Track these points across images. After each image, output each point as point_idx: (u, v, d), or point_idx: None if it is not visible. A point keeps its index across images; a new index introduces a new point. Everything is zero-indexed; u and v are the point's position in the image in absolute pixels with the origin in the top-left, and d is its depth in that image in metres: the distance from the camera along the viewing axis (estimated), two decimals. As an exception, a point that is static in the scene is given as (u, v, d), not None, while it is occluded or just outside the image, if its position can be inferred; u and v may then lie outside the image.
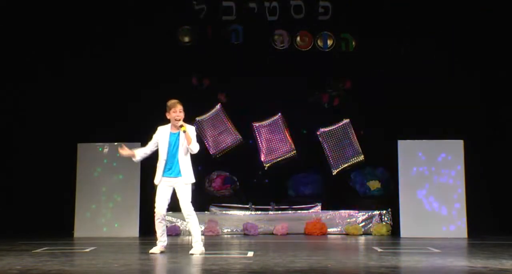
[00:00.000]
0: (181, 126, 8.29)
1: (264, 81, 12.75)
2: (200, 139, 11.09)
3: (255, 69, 12.77)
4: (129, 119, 12.30)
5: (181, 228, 11.88)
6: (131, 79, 12.54)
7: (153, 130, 8.60)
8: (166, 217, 8.65)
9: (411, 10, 12.55)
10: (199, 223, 8.64)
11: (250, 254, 8.40)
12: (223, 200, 12.61)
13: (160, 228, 8.48)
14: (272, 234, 11.91)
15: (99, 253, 8.75)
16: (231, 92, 13.01)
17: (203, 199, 12.04)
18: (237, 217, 12.21)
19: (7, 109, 12.57)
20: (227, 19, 12.98)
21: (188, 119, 8.60)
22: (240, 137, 12.99)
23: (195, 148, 8.37)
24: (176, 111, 8.34)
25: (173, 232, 11.58)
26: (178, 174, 8.35)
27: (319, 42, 13.02)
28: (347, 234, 11.88)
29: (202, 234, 9.80)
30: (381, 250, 8.99)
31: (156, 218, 8.44)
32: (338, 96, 13.03)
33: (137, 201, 11.58)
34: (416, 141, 11.66)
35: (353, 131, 12.79)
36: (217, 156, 12.97)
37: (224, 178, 12.82)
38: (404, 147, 11.59)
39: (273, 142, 12.95)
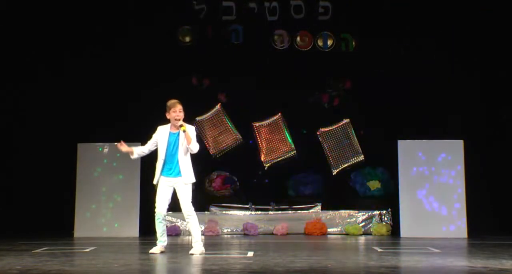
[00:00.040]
0: (181, 126, 8.29)
1: (264, 81, 12.75)
2: (200, 139, 11.08)
3: (255, 69, 12.77)
4: (129, 119, 12.30)
5: (181, 228, 11.88)
6: (131, 79, 12.54)
7: (153, 130, 8.60)
8: (166, 217, 8.65)
9: (411, 10, 12.55)
10: (199, 223, 8.64)
11: (250, 254, 8.40)
12: (223, 200, 12.61)
13: (160, 228, 8.48)
14: (272, 234, 11.91)
15: (99, 253, 8.75)
16: (231, 92, 13.01)
17: (203, 199, 12.04)
18: (237, 217, 12.21)
19: (7, 109, 12.56)
20: (227, 19, 12.98)
21: (188, 119, 8.61)
22: (240, 137, 12.99)
23: (195, 147, 8.37)
24: (176, 111, 8.35)
25: (173, 232, 11.58)
26: (178, 174, 8.35)
27: (319, 42, 13.02)
28: (347, 234, 11.88)
29: (202, 234, 9.80)
30: (381, 250, 8.99)
31: (156, 218, 8.44)
32: (338, 96, 13.02)
33: (137, 201, 11.59)
34: (416, 141, 11.66)
35: (353, 131, 12.78)
36: (217, 156, 12.97)
37: (224, 178, 12.82)
38: (404, 147, 11.59)
39: (273, 142, 12.95)
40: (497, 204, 12.21)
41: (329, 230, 11.99)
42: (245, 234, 11.87)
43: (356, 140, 12.76)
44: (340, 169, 12.81)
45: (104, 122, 12.31)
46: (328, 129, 12.85)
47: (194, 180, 8.47)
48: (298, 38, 13.07)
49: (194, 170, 8.50)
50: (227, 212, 12.32)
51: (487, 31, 12.44)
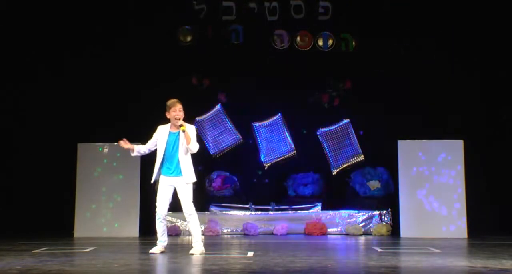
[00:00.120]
0: (181, 126, 8.29)
1: (264, 81, 12.75)
2: (200, 139, 11.08)
3: (255, 69, 12.77)
4: (129, 119, 12.30)
5: (181, 228, 11.88)
6: (131, 79, 12.54)
7: (153, 130, 8.61)
8: (166, 217, 8.65)
9: (411, 10, 12.55)
10: (199, 223, 8.63)
11: (250, 254, 8.40)
12: (223, 200, 12.61)
13: (160, 228, 8.48)
14: (272, 234, 11.91)
15: (99, 253, 8.75)
16: (231, 92, 13.01)
17: (203, 199, 12.04)
18: (237, 217, 12.21)
19: (7, 109, 12.56)
20: (227, 19, 12.97)
21: (188, 119, 8.61)
22: (240, 137, 12.99)
23: (195, 147, 8.37)
24: (176, 110, 8.35)
25: (173, 232, 11.57)
26: (178, 173, 8.35)
27: (319, 42, 13.02)
28: (347, 234, 11.87)
29: (202, 234, 9.80)
30: (381, 250, 8.99)
31: (157, 217, 8.44)
32: (338, 96, 13.02)
33: (137, 201, 11.59)
34: (416, 141, 11.66)
35: (353, 131, 12.78)
36: (217, 156, 12.97)
37: (224, 178, 12.82)
38: (404, 147, 11.60)
39: (273, 142, 12.95)
40: (497, 204, 12.21)
41: (329, 230, 11.98)
42: (245, 234, 11.87)
43: (356, 140, 12.75)
44: (340, 169, 12.81)
45: (104, 122, 12.32)
46: (328, 129, 12.85)
47: (195, 180, 8.47)
48: (298, 38, 13.07)
49: (194, 170, 8.50)
50: (227, 212, 12.32)
51: (487, 31, 12.44)
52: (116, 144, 11.64)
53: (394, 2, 12.61)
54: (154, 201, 8.50)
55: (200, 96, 12.68)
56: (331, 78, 12.98)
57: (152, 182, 8.49)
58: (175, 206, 8.68)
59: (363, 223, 12.05)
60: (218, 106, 12.99)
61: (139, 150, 8.61)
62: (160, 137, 8.45)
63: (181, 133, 8.33)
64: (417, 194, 11.42)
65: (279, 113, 12.95)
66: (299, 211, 12.31)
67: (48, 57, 12.69)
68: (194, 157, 8.53)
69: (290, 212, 12.32)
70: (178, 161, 8.35)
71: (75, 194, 11.67)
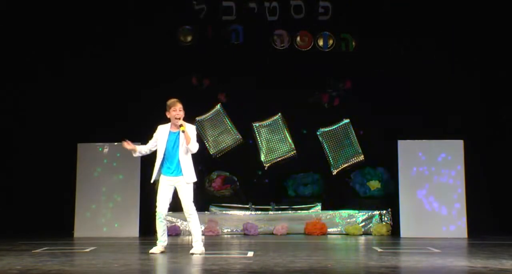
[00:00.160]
0: (180, 125, 8.29)
1: (264, 81, 12.75)
2: (200, 139, 11.08)
3: (255, 69, 12.77)
4: (129, 119, 12.30)
5: (181, 228, 11.87)
6: (131, 79, 12.54)
7: (153, 130, 8.60)
8: (167, 217, 8.64)
9: (411, 10, 12.55)
10: (200, 223, 8.63)
11: (250, 254, 8.40)
12: (223, 200, 12.61)
13: (161, 228, 8.48)
14: (272, 234, 11.91)
15: (99, 253, 8.75)
16: (231, 92, 13.01)
17: (203, 199, 12.04)
18: (237, 217, 12.21)
19: (7, 109, 12.56)
20: (227, 19, 12.98)
21: (188, 119, 8.61)
22: (240, 137, 12.99)
23: (194, 147, 8.37)
24: (176, 110, 8.35)
25: (173, 232, 11.57)
26: (179, 173, 8.35)
27: (319, 42, 13.02)
28: (347, 234, 11.87)
29: (202, 234, 9.79)
30: (381, 250, 8.99)
31: (157, 217, 8.43)
32: (338, 96, 13.02)
33: (137, 201, 11.58)
34: (416, 141, 11.66)
35: (353, 131, 12.78)
36: (217, 156, 12.97)
37: (224, 178, 12.83)
38: (404, 147, 11.59)
39: (273, 142, 12.95)
40: (497, 204, 12.21)
41: (329, 230, 11.98)
42: (245, 234, 11.87)
43: (356, 139, 12.75)
44: (340, 169, 12.81)
45: (104, 122, 12.31)
46: (328, 129, 12.85)
47: (195, 179, 8.46)
48: (298, 38, 13.07)
49: (194, 170, 8.50)
50: (227, 212, 12.32)
51: (487, 31, 12.44)
52: (116, 143, 11.75)
53: (394, 2, 12.61)
54: (154, 201, 8.50)
55: (200, 96, 12.68)
56: (331, 78, 12.98)
57: (152, 181, 8.49)
58: (175, 206, 8.68)
59: (363, 223, 12.04)
60: (218, 106, 12.99)
61: (141, 150, 8.61)
62: (160, 136, 8.45)
63: (181, 133, 8.33)
64: (417, 194, 11.42)
65: (279, 113, 12.95)
66: (299, 211, 12.31)
67: (48, 57, 12.69)
68: (194, 156, 8.52)
69: (290, 212, 12.32)
70: (179, 161, 8.35)
71: (75, 194, 11.67)
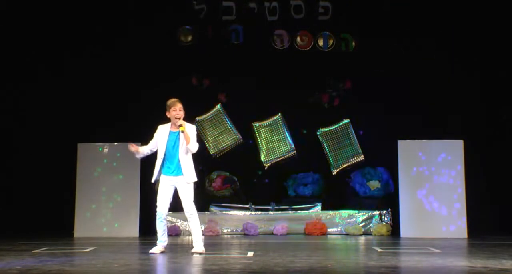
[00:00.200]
0: (180, 126, 8.29)
1: (264, 81, 12.76)
2: (200, 139, 11.08)
3: (255, 69, 12.77)
4: (129, 119, 12.30)
5: (181, 228, 11.88)
6: (131, 79, 12.54)
7: (153, 130, 8.60)
8: (167, 217, 8.64)
9: (411, 10, 12.55)
10: (200, 223, 8.63)
11: (250, 254, 8.40)
12: (223, 200, 12.61)
13: (161, 228, 8.48)
14: (272, 234, 11.91)
15: (99, 253, 8.75)
16: (231, 92, 13.01)
17: (203, 199, 12.04)
18: (237, 217, 12.21)
19: (7, 109, 12.56)
20: (227, 19, 12.97)
21: (188, 119, 8.61)
22: (240, 137, 12.99)
23: (194, 148, 8.37)
24: (176, 110, 8.35)
25: (173, 232, 11.57)
26: (179, 173, 8.35)
27: (319, 42, 13.02)
28: (347, 234, 11.87)
29: (202, 234, 9.79)
30: (381, 250, 8.99)
31: (157, 217, 8.43)
32: (338, 96, 13.02)
33: (137, 201, 11.59)
34: (416, 140, 11.66)
35: (353, 131, 12.78)
36: (217, 156, 12.97)
37: (224, 178, 12.83)
38: (404, 147, 11.59)
39: (273, 142, 12.95)
40: (497, 204, 12.21)
41: (329, 230, 11.98)
42: (245, 234, 11.87)
43: (356, 139, 12.75)
44: (340, 169, 12.81)
45: (104, 122, 12.32)
46: (328, 129, 12.85)
47: (195, 179, 8.46)
48: (298, 38, 13.07)
49: (195, 170, 8.50)
50: (227, 212, 12.32)
51: (487, 31, 12.44)
52: (116, 143, 11.77)
53: (394, 2, 12.61)
54: (154, 201, 8.50)
55: (200, 96, 12.68)
56: (331, 78, 12.98)
57: (152, 181, 8.49)
58: (175, 206, 8.68)
59: (363, 223, 12.04)
60: (218, 106, 12.98)
61: (143, 151, 8.60)
62: (161, 136, 8.45)
63: (181, 133, 8.33)
64: (417, 194, 11.42)
65: (279, 113, 12.95)
66: (299, 211, 12.31)
67: (48, 57, 12.69)
68: (194, 157, 8.52)
69: (290, 212, 12.32)
70: (179, 161, 8.34)
71: (75, 194, 11.67)
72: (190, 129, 8.43)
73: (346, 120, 12.83)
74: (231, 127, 12.95)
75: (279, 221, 12.09)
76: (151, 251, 8.47)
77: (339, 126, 12.84)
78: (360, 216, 12.10)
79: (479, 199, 11.79)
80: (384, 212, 12.09)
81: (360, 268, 7.27)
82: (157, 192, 8.48)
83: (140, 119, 11.86)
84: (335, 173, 12.82)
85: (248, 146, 13.02)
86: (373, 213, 12.08)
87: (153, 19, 12.70)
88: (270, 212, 12.28)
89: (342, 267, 7.38)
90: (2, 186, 12.33)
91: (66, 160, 11.95)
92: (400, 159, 11.53)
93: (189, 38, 13.04)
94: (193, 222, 8.38)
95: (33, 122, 12.65)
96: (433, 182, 11.43)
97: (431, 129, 12.14)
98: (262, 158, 12.94)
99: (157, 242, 8.55)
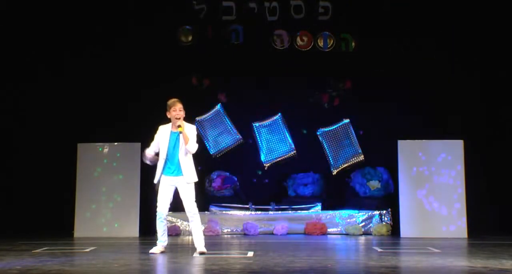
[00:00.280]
0: (179, 126, 8.29)
1: (264, 81, 12.76)
2: (200, 139, 11.08)
3: (255, 69, 12.76)
4: (129, 119, 12.30)
5: (181, 228, 11.87)
6: (131, 79, 12.54)
7: (153, 130, 8.60)
8: (167, 217, 8.64)
9: (411, 10, 12.54)
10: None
11: (250, 254, 8.40)
12: (223, 200, 12.61)
13: (161, 228, 8.48)
14: (272, 234, 11.91)
15: (99, 253, 8.76)
16: (231, 92, 13.01)
17: (203, 199, 12.03)
18: (237, 217, 12.21)
19: (7, 109, 12.56)
20: (227, 19, 12.97)
21: (188, 119, 8.61)
22: (240, 137, 12.99)
23: (192, 148, 8.35)
24: (176, 110, 8.35)
25: (173, 232, 11.57)
26: (179, 173, 8.34)
27: (319, 42, 13.02)
28: (347, 234, 11.87)
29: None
30: (381, 250, 9.00)
31: (157, 217, 8.43)
32: (338, 96, 13.02)
33: (137, 201, 11.59)
34: (416, 140, 11.66)
35: (353, 131, 12.78)
36: (217, 156, 12.97)
37: (224, 178, 12.83)
38: (404, 147, 11.60)
39: (273, 142, 12.95)
40: (497, 204, 12.20)
41: (329, 230, 11.98)
42: (245, 234, 11.87)
43: (356, 139, 12.75)
44: (340, 169, 12.80)
45: (104, 122, 12.32)
46: (328, 129, 12.85)
47: (196, 179, 8.45)
48: (298, 38, 13.07)
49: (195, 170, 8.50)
50: (227, 212, 12.32)
51: (487, 31, 12.44)
52: (116, 143, 11.77)
53: (394, 2, 12.61)
54: (154, 201, 8.50)
55: (200, 96, 12.68)
56: (331, 78, 12.98)
57: (155, 182, 8.48)
58: (175, 206, 8.68)
59: (363, 223, 12.04)
60: (218, 106, 12.98)
61: (151, 156, 8.55)
62: (162, 137, 8.45)
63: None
64: (417, 194, 11.42)
65: (279, 113, 12.95)
66: (299, 211, 12.30)
67: (48, 57, 12.69)
68: (194, 157, 8.52)
69: (290, 212, 12.32)
70: (179, 161, 8.34)
71: (75, 194, 11.67)
72: (190, 130, 8.43)
73: (346, 120, 12.82)
74: (231, 128, 12.95)
75: (279, 221, 12.09)
76: (151, 251, 8.47)
77: (339, 126, 12.83)
78: (360, 216, 12.10)
79: (479, 199, 11.79)
80: (384, 212, 12.08)
81: (360, 268, 7.27)
82: (157, 192, 8.48)
83: (140, 119, 11.87)
84: (335, 173, 12.82)
85: (248, 146, 13.01)
86: (373, 213, 12.08)
87: (153, 19, 12.70)
88: (270, 212, 12.28)
89: (342, 267, 7.38)
90: (2, 186, 12.32)
91: (66, 160, 11.95)
92: (400, 159, 11.53)
93: (189, 38, 13.04)
94: (195, 222, 8.37)
95: (33, 122, 12.64)
96: (433, 182, 11.43)
97: (431, 129, 12.14)
98: (262, 158, 12.94)
99: (157, 242, 8.56)
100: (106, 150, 11.79)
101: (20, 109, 12.67)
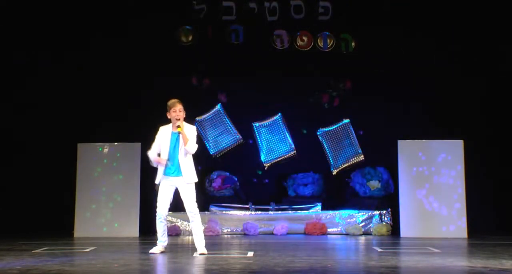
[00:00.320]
0: (178, 127, 8.29)
1: (264, 81, 12.76)
2: (200, 139, 11.08)
3: (255, 69, 12.76)
4: (129, 119, 12.30)
5: (181, 228, 11.87)
6: (131, 79, 12.54)
7: (153, 130, 8.60)
8: (167, 217, 8.64)
9: (411, 10, 12.54)
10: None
11: (250, 254, 8.40)
12: (223, 200, 12.61)
13: (161, 228, 8.48)
14: (272, 234, 11.91)
15: (99, 253, 8.76)
16: (231, 92, 13.01)
17: (203, 199, 12.03)
18: (237, 217, 12.21)
19: (7, 109, 12.55)
20: (227, 19, 12.97)
21: (188, 119, 8.61)
22: (240, 137, 12.99)
23: (192, 149, 8.35)
24: (176, 110, 8.35)
25: (173, 232, 11.57)
26: (179, 173, 8.34)
27: (319, 42, 13.02)
28: (347, 234, 11.87)
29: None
30: (381, 250, 9.00)
31: (157, 217, 8.43)
32: (338, 96, 13.02)
33: (137, 201, 11.59)
34: (416, 140, 11.66)
35: (353, 131, 12.78)
36: (217, 156, 12.97)
37: (224, 178, 12.83)
38: (404, 147, 11.60)
39: (273, 142, 12.95)
40: (497, 204, 12.21)
41: (329, 230, 11.98)
42: (245, 234, 11.87)
43: (356, 140, 12.75)
44: (340, 169, 12.81)
45: (104, 122, 12.31)
46: (328, 129, 12.85)
47: (196, 180, 8.45)
48: (298, 38, 13.07)
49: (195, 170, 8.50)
50: (227, 212, 12.32)
51: (487, 31, 12.43)
52: (116, 143, 11.77)
53: (394, 2, 12.61)
54: (155, 201, 8.50)
55: (200, 96, 12.68)
56: (331, 78, 12.98)
57: (157, 182, 8.47)
58: (175, 206, 8.68)
59: (363, 223, 12.04)
60: (218, 106, 12.98)
61: (155, 158, 8.53)
62: (163, 137, 8.44)
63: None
64: (417, 194, 11.42)
65: (279, 113, 12.95)
66: (299, 211, 12.30)
67: (48, 57, 12.67)
68: (194, 157, 8.52)
69: (290, 212, 12.32)
70: (179, 161, 8.34)
71: (75, 194, 11.68)
72: (190, 130, 8.42)
73: (346, 120, 12.82)
74: (231, 128, 12.95)
75: (279, 221, 12.09)
76: (151, 251, 8.48)
77: (339, 126, 12.83)
78: (360, 216, 12.09)
79: (479, 199, 11.79)
80: (384, 212, 12.08)
81: (360, 268, 7.27)
82: (157, 193, 8.48)
83: (140, 119, 11.87)
84: (335, 173, 12.82)
85: (248, 146, 13.02)
86: (373, 213, 12.08)
87: (153, 19, 12.69)
88: (270, 212, 12.28)
89: (342, 267, 7.38)
90: (2, 186, 12.32)
91: (66, 160, 11.94)
92: (400, 159, 11.53)
93: (189, 38, 13.04)
94: (196, 223, 8.37)
95: (33, 122, 12.63)
96: (433, 182, 11.43)
97: (431, 129, 12.14)
98: (262, 158, 12.94)
99: (157, 242, 8.56)
100: (106, 150, 11.79)
101: (20, 109, 12.65)
